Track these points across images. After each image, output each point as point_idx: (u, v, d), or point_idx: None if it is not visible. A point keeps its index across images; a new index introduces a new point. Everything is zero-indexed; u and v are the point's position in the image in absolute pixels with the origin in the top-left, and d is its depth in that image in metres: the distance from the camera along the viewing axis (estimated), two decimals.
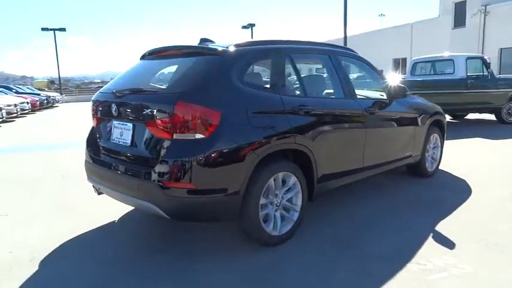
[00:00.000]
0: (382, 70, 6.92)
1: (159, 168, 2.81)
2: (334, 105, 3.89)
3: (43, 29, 35.11)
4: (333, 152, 3.74)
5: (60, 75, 38.93)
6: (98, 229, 3.75)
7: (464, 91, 10.05)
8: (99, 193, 3.58)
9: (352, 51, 4.47)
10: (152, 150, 2.98)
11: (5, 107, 16.03)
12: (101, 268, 2.98)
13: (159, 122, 2.86)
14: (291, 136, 3.25)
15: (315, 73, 5.83)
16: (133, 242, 3.47)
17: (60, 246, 3.40)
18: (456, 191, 4.74)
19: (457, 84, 10.07)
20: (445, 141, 5.79)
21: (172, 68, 3.66)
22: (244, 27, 38.97)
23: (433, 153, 5.46)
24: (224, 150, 2.86)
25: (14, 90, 25.59)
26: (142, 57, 3.83)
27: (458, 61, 10.34)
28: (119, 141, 3.28)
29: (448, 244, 3.26)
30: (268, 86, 3.33)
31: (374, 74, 4.65)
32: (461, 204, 4.29)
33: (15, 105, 17.77)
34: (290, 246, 3.28)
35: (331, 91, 4.00)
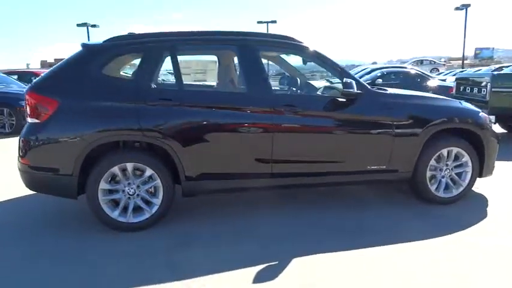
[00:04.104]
0: None
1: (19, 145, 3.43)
2: (218, 100, 3.55)
3: (258, 22, 40.12)
4: (215, 151, 3.47)
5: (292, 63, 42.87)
6: None
7: None
8: None
9: (293, 40, 3.81)
10: None
11: None
12: None
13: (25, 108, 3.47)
14: (136, 129, 3.28)
15: (201, 67, 5.12)
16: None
17: None
18: None
19: None
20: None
21: None
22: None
23: (450, 174, 4.03)
24: (55, 136, 3.25)
25: None
26: None
27: None
28: None
29: None
30: (130, 78, 3.43)
31: (329, 68, 3.86)
32: None
33: None
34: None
35: (224, 84, 3.65)
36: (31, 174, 3.34)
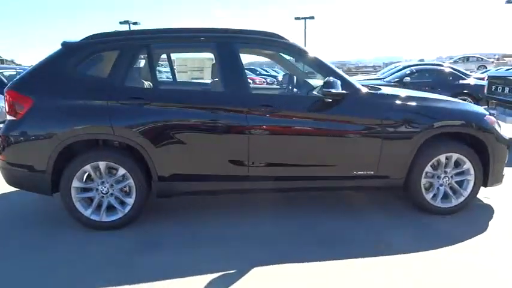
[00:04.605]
0: None
1: None
2: (191, 99, 3.44)
3: (296, 18, 39.59)
4: (188, 152, 3.38)
5: (336, 60, 42.14)
6: None
7: None
8: None
9: (275, 37, 3.61)
10: None
11: None
12: None
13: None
14: (108, 127, 3.26)
15: (198, 64, 4.88)
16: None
17: None
18: None
19: None
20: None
21: None
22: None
23: (450, 182, 3.69)
24: (30, 133, 3.29)
25: (257, 72, 29.87)
26: None
27: None
28: None
29: None
30: (105, 76, 3.40)
31: (314, 66, 3.65)
32: None
33: None
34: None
35: (201, 83, 3.53)
36: (8, 170, 3.41)
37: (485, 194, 4.18)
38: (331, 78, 3.36)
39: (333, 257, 2.95)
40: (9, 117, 3.37)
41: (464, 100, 10.23)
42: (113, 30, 3.62)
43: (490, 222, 3.55)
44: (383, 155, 3.51)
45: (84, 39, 3.49)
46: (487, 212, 3.80)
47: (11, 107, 3.32)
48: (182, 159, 3.40)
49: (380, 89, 3.93)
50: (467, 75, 11.45)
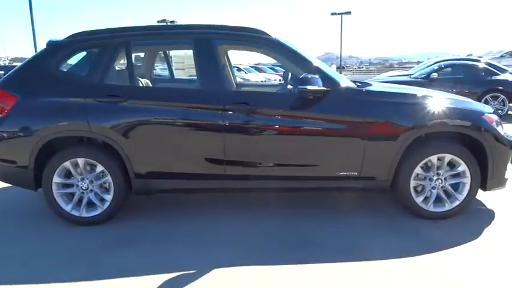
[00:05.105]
0: None
1: None
2: (167, 96, 3.40)
3: (332, 14, 38.80)
4: (164, 149, 3.37)
5: (377, 55, 41.48)
6: None
7: None
8: None
9: (255, 32, 3.49)
10: None
11: None
12: None
13: None
14: (83, 123, 3.31)
15: (175, 62, 4.72)
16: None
17: None
18: None
19: None
20: None
21: None
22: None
23: (444, 185, 3.44)
24: (13, 129, 3.40)
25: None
26: None
27: None
28: None
29: None
30: (84, 74, 3.45)
31: (296, 62, 3.51)
32: None
33: None
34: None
35: (178, 80, 3.49)
36: None
37: (490, 199, 3.88)
38: (309, 75, 3.22)
39: (304, 261, 2.82)
40: None
41: (497, 98, 9.63)
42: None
43: (486, 230, 3.27)
44: (367, 155, 3.32)
45: (67, 37, 3.56)
46: (485, 218, 3.50)
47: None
48: (158, 157, 3.40)
49: (370, 85, 3.73)
50: (504, 71, 10.70)
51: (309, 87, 3.16)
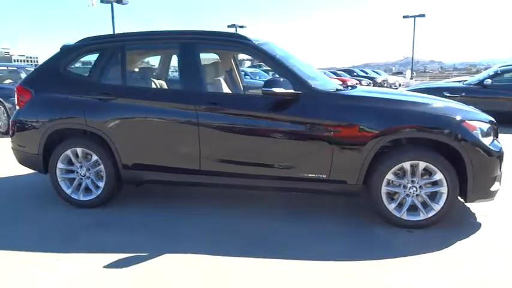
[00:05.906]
0: None
1: None
2: (149, 96, 3.74)
3: (404, 17, 37.24)
4: (146, 143, 3.71)
5: (462, 61, 39.38)
6: None
7: None
8: None
9: (235, 37, 3.67)
10: None
11: None
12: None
13: None
14: (81, 118, 3.76)
15: (142, 64, 4.76)
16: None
17: None
18: None
19: None
20: None
21: None
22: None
23: (419, 193, 3.32)
24: (27, 120, 3.98)
25: (355, 74, 28.77)
26: None
27: None
28: None
29: None
30: (86, 75, 3.92)
31: (275, 67, 3.64)
32: None
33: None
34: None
35: (162, 82, 3.80)
36: (18, 151, 4.15)
37: (482, 212, 3.65)
38: (278, 78, 3.35)
39: (248, 256, 2.94)
40: (17, 107, 4.12)
41: None
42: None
43: (457, 244, 3.10)
44: (335, 158, 3.34)
45: (77, 42, 4.07)
46: (465, 232, 3.30)
47: (18, 99, 4.05)
48: (141, 150, 3.73)
49: (354, 88, 3.71)
50: None
51: (275, 89, 3.27)
